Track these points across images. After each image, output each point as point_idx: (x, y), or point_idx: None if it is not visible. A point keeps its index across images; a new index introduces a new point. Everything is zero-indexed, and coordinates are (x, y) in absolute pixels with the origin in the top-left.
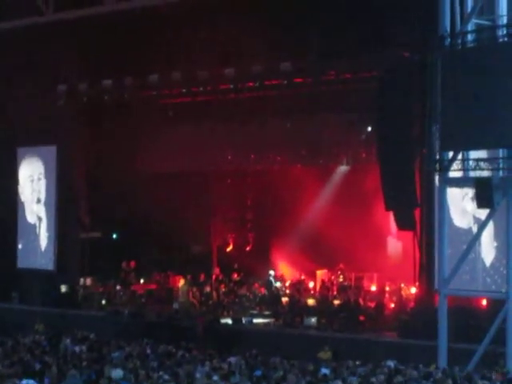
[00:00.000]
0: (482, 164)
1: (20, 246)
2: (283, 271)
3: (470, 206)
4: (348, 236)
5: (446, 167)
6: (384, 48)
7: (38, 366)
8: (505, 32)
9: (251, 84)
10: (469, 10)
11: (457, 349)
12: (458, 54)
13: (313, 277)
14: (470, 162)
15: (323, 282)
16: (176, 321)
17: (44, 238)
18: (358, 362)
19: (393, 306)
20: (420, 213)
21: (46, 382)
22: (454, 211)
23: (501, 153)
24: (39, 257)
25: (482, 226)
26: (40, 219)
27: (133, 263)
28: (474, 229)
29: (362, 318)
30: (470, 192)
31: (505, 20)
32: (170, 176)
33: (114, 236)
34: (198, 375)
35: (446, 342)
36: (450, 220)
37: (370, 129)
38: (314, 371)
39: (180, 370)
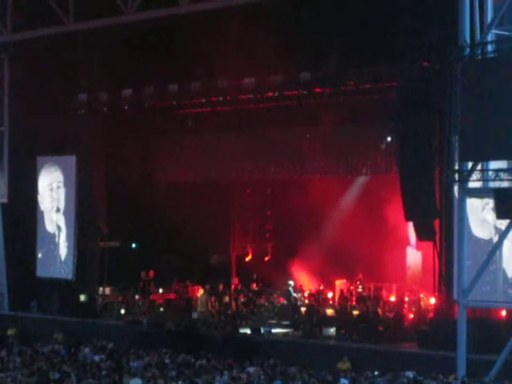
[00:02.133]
0: (501, 174)
1: (40, 255)
2: (302, 281)
3: (491, 216)
4: (367, 246)
5: (465, 177)
6: (403, 58)
7: (56, 375)
8: None
9: (271, 94)
10: (489, 20)
11: (476, 360)
12: (477, 64)
13: (332, 287)
14: (490, 173)
15: (342, 292)
16: (195, 330)
17: (63, 247)
18: (376, 373)
19: (412, 316)
20: (440, 223)
21: None
22: (474, 222)
23: None
24: (58, 266)
25: (502, 236)
26: (59, 228)
27: (152, 273)
28: (495, 239)
29: (380, 328)
30: (490, 202)
31: None
32: (190, 186)
33: (133, 245)
34: None
35: (465, 352)
36: (470, 231)
37: (389, 139)
38: (333, 381)
39: (198, 380)
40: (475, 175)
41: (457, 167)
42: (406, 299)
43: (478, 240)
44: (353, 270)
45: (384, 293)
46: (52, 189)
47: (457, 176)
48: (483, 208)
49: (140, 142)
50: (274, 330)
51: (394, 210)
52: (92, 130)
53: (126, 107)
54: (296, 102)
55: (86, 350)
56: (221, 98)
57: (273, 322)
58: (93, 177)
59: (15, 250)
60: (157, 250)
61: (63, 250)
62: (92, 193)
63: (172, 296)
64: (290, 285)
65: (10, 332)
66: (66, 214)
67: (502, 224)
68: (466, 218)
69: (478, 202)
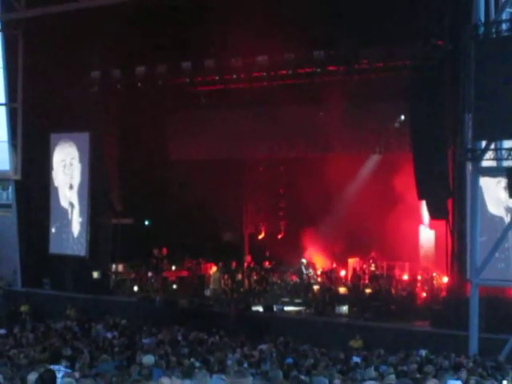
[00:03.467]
0: None
1: (53, 231)
2: (315, 259)
3: (503, 194)
4: (380, 224)
5: (478, 157)
6: (417, 37)
7: (69, 352)
8: None
9: (284, 72)
10: None
11: (488, 339)
12: (491, 43)
13: (344, 265)
14: (503, 152)
15: (355, 270)
16: (207, 308)
17: (76, 224)
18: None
19: (424, 295)
20: (452, 202)
21: (77, 367)
22: (489, 199)
23: None
24: (71, 242)
25: None
26: (72, 205)
27: (164, 250)
28: (507, 218)
29: (393, 306)
30: (502, 181)
31: None
32: (203, 163)
33: (146, 222)
34: (229, 362)
35: (478, 331)
36: (485, 208)
37: (402, 117)
38: (345, 359)
39: (211, 357)
40: (488, 154)
41: (470, 146)
42: (419, 278)
43: (493, 217)
44: (366, 248)
45: (397, 271)
46: (65, 165)
47: (470, 155)
48: (496, 186)
49: (153, 119)
50: (286, 308)
51: (407, 189)
52: (105, 107)
53: (140, 84)
54: (309, 80)
55: (99, 327)
56: (234, 76)
57: (285, 299)
58: (106, 154)
59: (28, 227)
60: (169, 228)
61: (76, 226)
62: (105, 169)
63: (185, 273)
64: (302, 263)
65: (23, 309)
66: (79, 190)
67: None
68: (481, 195)
69: (493, 179)
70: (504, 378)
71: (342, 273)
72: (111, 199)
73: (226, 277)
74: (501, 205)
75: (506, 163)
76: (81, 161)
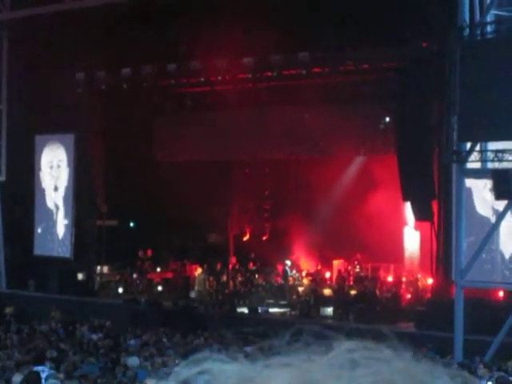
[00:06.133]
0: (500, 155)
1: (38, 232)
2: (300, 261)
3: (489, 196)
4: (365, 226)
5: (463, 158)
6: (403, 38)
7: (54, 354)
8: None
9: (269, 74)
10: (488, 1)
11: (473, 340)
12: (476, 45)
13: (329, 267)
14: (489, 153)
15: (340, 272)
16: (192, 309)
17: (61, 226)
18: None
19: (409, 296)
20: (438, 203)
21: (62, 369)
22: (477, 200)
23: None
24: (56, 244)
25: (499, 217)
26: (57, 206)
27: (149, 251)
28: (493, 219)
29: (378, 308)
30: (489, 183)
31: None
32: (188, 165)
33: (131, 224)
34: None
35: (463, 333)
36: (474, 209)
37: (387, 119)
38: None
39: None
40: (474, 156)
41: (455, 148)
42: (404, 279)
43: (481, 218)
44: (351, 250)
45: (382, 273)
46: (52, 167)
47: (455, 157)
48: (484, 187)
49: (138, 120)
50: (271, 310)
51: (392, 190)
52: (90, 109)
53: (125, 86)
54: (295, 81)
55: (84, 329)
56: (219, 78)
57: (270, 301)
58: (91, 155)
59: (13, 228)
60: (154, 229)
61: (61, 228)
62: (90, 171)
63: (170, 275)
64: (287, 264)
65: (8, 310)
66: (64, 192)
67: (500, 205)
68: (470, 196)
69: (480, 180)
70: (489, 380)
71: (327, 274)
72: (96, 201)
73: (210, 278)
74: (487, 206)
75: (491, 165)
76: (67, 162)
